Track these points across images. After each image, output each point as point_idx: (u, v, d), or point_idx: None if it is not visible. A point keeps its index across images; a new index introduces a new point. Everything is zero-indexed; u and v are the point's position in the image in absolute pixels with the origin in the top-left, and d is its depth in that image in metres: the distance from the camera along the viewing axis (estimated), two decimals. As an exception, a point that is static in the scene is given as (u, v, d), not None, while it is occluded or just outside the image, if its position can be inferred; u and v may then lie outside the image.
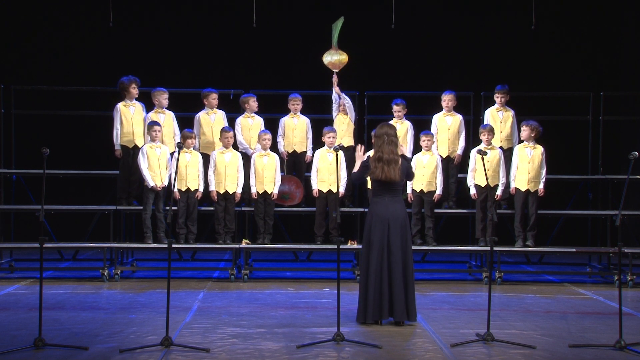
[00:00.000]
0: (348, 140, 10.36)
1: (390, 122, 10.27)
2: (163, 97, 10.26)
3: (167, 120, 10.28)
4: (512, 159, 10.06)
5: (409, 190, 9.94)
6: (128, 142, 10.16)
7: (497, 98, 10.43)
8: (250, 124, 10.38)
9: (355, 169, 7.48)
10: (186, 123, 10.40)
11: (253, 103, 10.41)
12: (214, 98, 10.36)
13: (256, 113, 10.47)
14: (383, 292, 7.19)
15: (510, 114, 10.43)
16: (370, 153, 9.57)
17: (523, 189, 9.97)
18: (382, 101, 10.98)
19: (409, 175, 7.54)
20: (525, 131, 9.94)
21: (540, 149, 10.01)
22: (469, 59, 13.23)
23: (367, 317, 7.24)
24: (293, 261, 11.28)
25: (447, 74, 12.81)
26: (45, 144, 6.83)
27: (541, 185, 9.97)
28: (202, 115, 10.39)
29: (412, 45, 13.18)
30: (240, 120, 10.41)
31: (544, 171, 10.00)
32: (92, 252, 11.65)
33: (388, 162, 7.21)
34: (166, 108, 10.30)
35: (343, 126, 10.37)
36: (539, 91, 12.62)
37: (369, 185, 9.91)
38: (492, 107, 10.50)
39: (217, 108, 10.45)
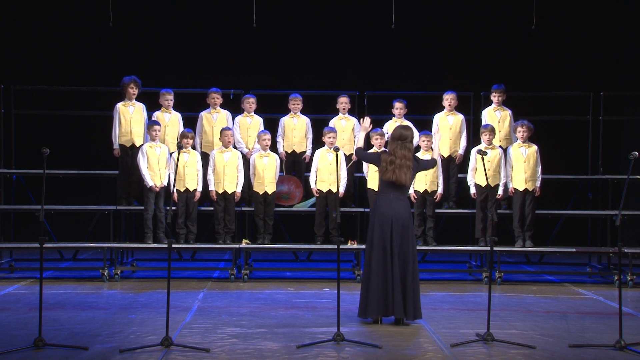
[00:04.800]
0: (349, 149, 10.32)
1: (390, 121, 10.33)
2: (165, 98, 10.27)
3: (173, 120, 10.29)
4: (507, 159, 10.05)
5: (411, 191, 9.91)
6: (126, 141, 10.17)
7: (494, 97, 10.43)
8: (249, 124, 10.38)
9: (360, 143, 7.76)
10: (188, 123, 10.40)
11: (247, 104, 10.39)
12: (213, 98, 10.36)
13: (256, 113, 10.47)
14: (387, 290, 7.21)
15: (507, 113, 10.43)
16: (375, 142, 9.60)
17: (521, 189, 9.97)
18: (382, 101, 10.98)
19: (429, 164, 7.75)
20: (521, 132, 9.92)
21: (534, 147, 10.01)
22: (469, 59, 13.23)
23: (368, 312, 7.27)
24: (293, 261, 11.27)
25: (447, 74, 12.81)
26: (45, 144, 6.83)
27: (538, 184, 9.97)
28: (204, 115, 10.40)
29: (412, 45, 13.19)
30: (238, 120, 10.42)
31: (539, 169, 10.00)
32: (92, 252, 11.65)
33: (400, 167, 7.31)
34: (172, 108, 10.31)
35: (344, 135, 10.34)
36: (539, 91, 12.62)
37: (369, 185, 9.94)
38: (489, 107, 10.50)
39: (223, 109, 10.45)
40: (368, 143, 10.12)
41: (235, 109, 10.74)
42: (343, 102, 10.45)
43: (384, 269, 7.23)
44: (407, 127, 7.63)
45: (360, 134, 7.84)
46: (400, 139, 7.40)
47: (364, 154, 7.88)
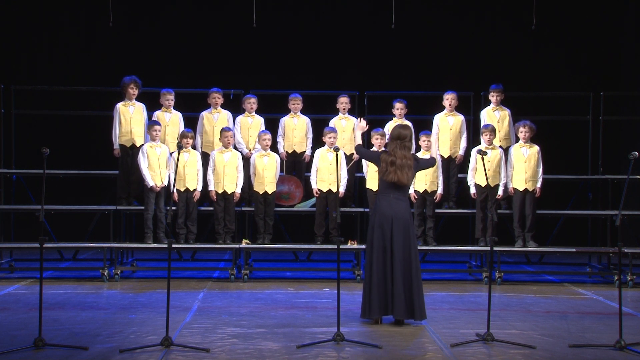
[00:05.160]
0: (350, 148, 10.32)
1: (390, 122, 10.33)
2: (166, 98, 10.26)
3: (173, 120, 10.29)
4: (508, 159, 10.05)
5: (411, 191, 9.90)
6: (127, 141, 10.17)
7: (493, 97, 10.43)
8: (250, 124, 10.38)
9: (357, 140, 7.77)
10: (188, 123, 10.40)
11: (248, 104, 10.39)
12: (214, 97, 10.36)
13: (256, 113, 10.47)
14: (387, 290, 7.21)
15: (506, 113, 10.43)
16: (375, 142, 9.61)
17: (521, 189, 9.97)
18: (382, 101, 10.98)
19: (429, 163, 7.72)
20: (523, 132, 9.92)
21: (536, 148, 10.01)
22: (469, 59, 13.23)
23: (371, 312, 7.27)
24: (293, 261, 11.27)
25: (447, 74, 12.81)
26: (45, 144, 6.83)
27: (538, 184, 9.97)
28: (205, 115, 10.40)
29: (412, 45, 13.19)
30: (239, 119, 10.42)
31: (540, 170, 9.99)
32: (92, 252, 11.65)
33: (401, 167, 7.30)
34: (172, 108, 10.31)
35: (345, 135, 10.33)
36: (539, 91, 12.62)
37: (368, 185, 9.94)
38: (488, 107, 10.50)
39: (223, 109, 10.45)
40: (368, 143, 10.14)
41: (235, 109, 10.74)
42: (343, 102, 10.45)
43: (383, 269, 7.23)
44: (405, 126, 7.60)
45: (357, 132, 7.86)
46: (400, 138, 7.39)
47: (364, 151, 7.89)
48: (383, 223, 7.27)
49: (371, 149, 9.68)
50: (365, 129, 7.96)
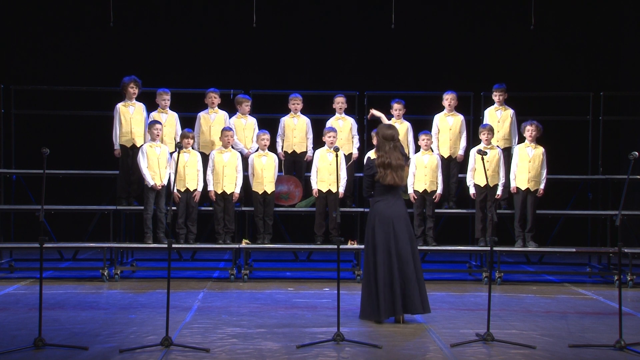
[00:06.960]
0: (347, 148, 10.33)
1: (389, 122, 10.31)
2: (162, 98, 10.26)
3: (169, 120, 10.28)
4: (513, 158, 10.06)
5: (410, 191, 9.93)
6: (127, 141, 10.17)
7: (495, 96, 10.43)
8: (244, 124, 10.38)
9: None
10: (186, 123, 10.40)
11: (246, 107, 10.39)
12: (210, 97, 10.36)
13: (256, 113, 10.47)
14: (395, 290, 7.22)
15: (509, 113, 10.43)
16: (371, 154, 9.62)
17: (523, 188, 9.97)
18: (382, 101, 10.97)
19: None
20: (530, 131, 9.92)
21: (541, 149, 10.00)
22: (469, 59, 13.23)
23: (380, 315, 7.26)
24: (293, 261, 11.27)
25: (447, 74, 12.82)
26: (45, 144, 6.83)
27: (541, 186, 9.97)
28: (202, 115, 10.39)
29: (412, 45, 13.19)
30: (233, 121, 10.41)
31: (544, 172, 9.98)
32: (92, 252, 11.65)
33: (396, 168, 7.33)
34: (169, 108, 10.31)
35: (342, 134, 10.33)
36: (539, 91, 12.62)
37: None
38: (491, 106, 10.51)
39: (224, 109, 10.44)
40: (368, 143, 10.15)
41: (235, 109, 10.74)
42: (339, 102, 10.45)
43: (389, 271, 7.23)
44: (392, 126, 7.64)
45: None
46: (393, 139, 7.41)
47: (366, 185, 7.56)
48: (384, 225, 7.29)
49: (370, 152, 9.71)
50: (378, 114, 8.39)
